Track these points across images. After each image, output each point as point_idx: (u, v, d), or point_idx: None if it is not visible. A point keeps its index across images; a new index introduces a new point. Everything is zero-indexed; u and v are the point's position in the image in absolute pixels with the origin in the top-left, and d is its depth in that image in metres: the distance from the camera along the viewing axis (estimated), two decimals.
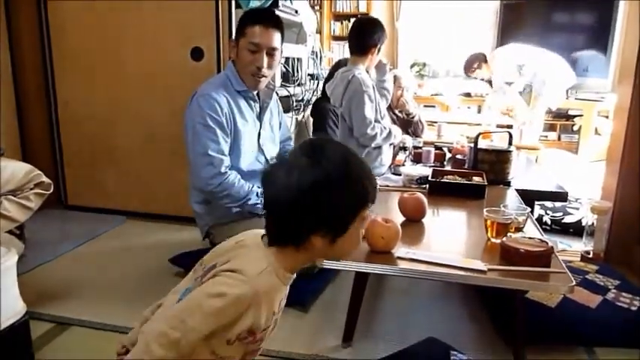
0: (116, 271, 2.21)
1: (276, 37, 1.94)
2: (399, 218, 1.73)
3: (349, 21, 6.24)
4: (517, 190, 2.20)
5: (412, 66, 6.13)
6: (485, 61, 4.39)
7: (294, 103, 3.23)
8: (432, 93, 5.93)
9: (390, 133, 2.68)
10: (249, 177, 1.99)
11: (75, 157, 2.91)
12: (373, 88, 2.67)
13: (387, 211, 1.83)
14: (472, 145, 2.43)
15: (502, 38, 5.43)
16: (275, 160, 1.00)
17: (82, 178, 2.93)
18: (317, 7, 6.11)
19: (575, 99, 5.01)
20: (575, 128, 5.28)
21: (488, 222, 1.54)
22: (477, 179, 2.18)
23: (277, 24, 1.94)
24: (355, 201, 0.96)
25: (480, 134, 2.33)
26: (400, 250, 1.44)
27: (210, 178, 1.86)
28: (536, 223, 1.73)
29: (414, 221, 1.74)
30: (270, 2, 2.54)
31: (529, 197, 2.28)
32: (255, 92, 2.02)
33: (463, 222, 1.89)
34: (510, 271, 1.33)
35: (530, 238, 1.47)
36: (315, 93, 3.44)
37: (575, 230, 2.69)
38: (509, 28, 5.44)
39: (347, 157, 0.95)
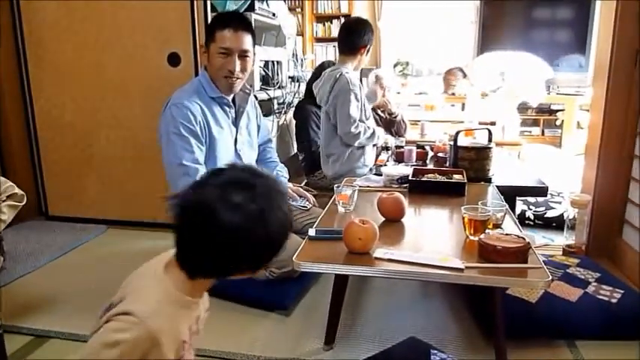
0: (96, 282, 2.18)
1: (246, 40, 1.92)
2: (379, 219, 1.72)
3: (331, 22, 6.25)
4: (498, 186, 2.20)
5: (395, 65, 6.15)
6: (464, 76, 4.41)
7: (276, 106, 3.22)
8: (416, 92, 5.95)
9: (373, 133, 2.69)
10: None
11: (55, 167, 2.88)
12: (360, 88, 2.68)
13: (368, 211, 1.82)
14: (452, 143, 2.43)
15: (483, 36, 5.48)
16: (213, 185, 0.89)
17: (62, 188, 2.90)
18: (298, 9, 6.11)
19: (557, 94, 5.06)
20: (558, 123, 5.33)
21: (466, 219, 1.54)
22: (457, 177, 2.18)
23: (247, 26, 1.93)
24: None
25: (459, 132, 2.34)
26: (378, 251, 1.44)
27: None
28: (514, 218, 1.73)
29: (393, 221, 1.73)
30: (246, 5, 2.53)
31: (510, 193, 2.30)
32: (229, 98, 2.00)
33: (443, 220, 1.89)
34: (488, 269, 1.34)
35: (507, 234, 1.47)
36: (296, 95, 3.44)
37: (558, 224, 2.71)
38: (490, 26, 5.49)
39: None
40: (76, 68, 2.71)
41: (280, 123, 3.33)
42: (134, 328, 0.82)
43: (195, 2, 2.44)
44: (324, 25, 6.32)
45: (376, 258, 1.41)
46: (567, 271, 1.91)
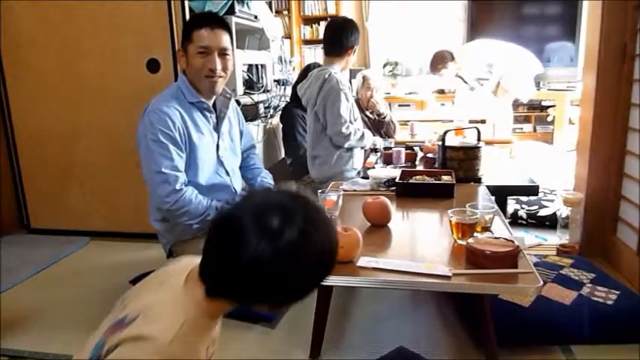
0: (76, 297, 2.11)
1: (225, 38, 1.86)
2: (365, 224, 1.67)
3: (319, 24, 6.19)
4: (488, 186, 2.15)
5: (384, 65, 6.10)
6: (452, 59, 4.36)
7: (262, 110, 3.16)
8: (406, 92, 5.91)
9: (363, 135, 2.63)
10: (208, 191, 1.91)
11: (35, 178, 2.80)
12: (349, 88, 2.62)
13: (353, 217, 1.76)
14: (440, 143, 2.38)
15: (472, 33, 5.44)
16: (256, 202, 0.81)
17: (44, 200, 2.82)
18: (285, 12, 6.06)
19: (548, 89, 5.02)
20: (550, 119, 5.29)
21: (453, 223, 1.49)
22: (446, 178, 2.13)
23: (224, 25, 1.87)
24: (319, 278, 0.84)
25: (447, 132, 2.28)
26: (362, 259, 1.38)
27: (166, 196, 1.77)
28: (504, 220, 1.67)
29: (379, 226, 1.67)
30: (226, 8, 2.47)
31: (500, 193, 2.25)
32: (210, 102, 1.94)
33: (431, 224, 1.83)
34: (476, 275, 1.28)
35: (496, 238, 1.41)
36: (282, 99, 3.38)
37: (552, 223, 2.65)
38: (478, 23, 5.46)
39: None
40: (54, 77, 2.64)
41: (267, 127, 3.27)
42: (152, 357, 0.76)
43: (172, 7, 2.38)
44: (311, 27, 6.26)
45: (360, 267, 1.35)
46: (561, 272, 1.86)
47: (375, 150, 2.96)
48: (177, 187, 1.77)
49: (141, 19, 2.44)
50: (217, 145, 1.98)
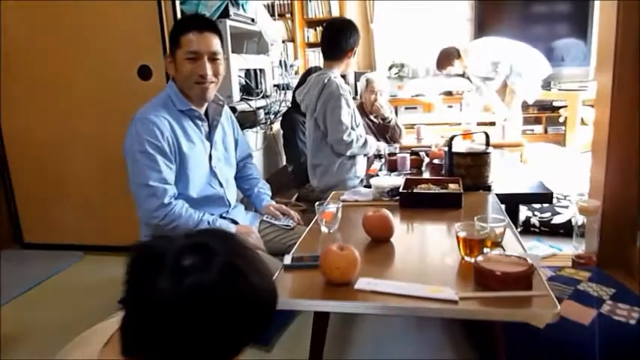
0: (68, 315, 2.02)
1: (214, 42, 1.76)
2: (367, 239, 1.55)
3: (322, 27, 6.09)
4: (498, 194, 2.02)
5: (390, 68, 5.98)
6: (459, 56, 4.23)
7: (262, 116, 3.06)
8: (413, 94, 5.78)
9: (366, 142, 2.52)
10: (201, 204, 1.81)
11: (27, 192, 2.73)
12: (350, 93, 2.51)
13: (354, 229, 1.65)
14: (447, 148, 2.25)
15: (479, 33, 5.29)
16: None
17: (36, 213, 2.74)
18: (288, 15, 5.96)
19: (559, 90, 4.87)
20: (561, 120, 5.13)
21: (460, 239, 1.36)
22: (453, 186, 2.00)
23: (213, 28, 1.77)
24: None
25: (453, 137, 2.16)
26: (360, 281, 1.25)
27: (154, 210, 1.67)
28: (517, 234, 1.54)
29: (381, 241, 1.55)
30: (219, 11, 2.37)
31: (511, 201, 2.12)
32: (202, 110, 1.84)
33: (437, 237, 1.70)
34: (485, 299, 1.15)
35: (508, 255, 1.29)
36: (283, 104, 3.27)
37: (566, 231, 2.52)
38: (486, 22, 5.32)
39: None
40: (44, 87, 2.57)
41: (267, 134, 3.17)
42: None
43: (163, 10, 2.28)
44: (315, 30, 6.16)
45: (357, 290, 1.24)
46: (578, 287, 1.72)
47: (379, 156, 2.84)
48: (166, 200, 1.67)
49: (130, 23, 2.35)
50: (210, 155, 1.88)
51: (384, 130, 3.48)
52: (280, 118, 3.27)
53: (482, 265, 1.22)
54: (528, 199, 2.18)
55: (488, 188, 2.11)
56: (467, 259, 1.35)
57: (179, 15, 2.29)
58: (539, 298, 1.15)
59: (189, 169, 1.77)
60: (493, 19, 5.26)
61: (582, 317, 1.54)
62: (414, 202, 1.91)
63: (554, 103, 5.27)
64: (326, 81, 2.43)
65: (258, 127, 2.91)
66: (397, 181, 2.07)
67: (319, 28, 6.14)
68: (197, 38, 1.72)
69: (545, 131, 5.45)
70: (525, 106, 4.93)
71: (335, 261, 1.25)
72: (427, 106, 5.54)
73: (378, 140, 3.49)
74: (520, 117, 4.44)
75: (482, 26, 5.32)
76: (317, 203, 1.71)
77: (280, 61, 3.43)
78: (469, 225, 1.39)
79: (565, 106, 4.99)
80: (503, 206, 1.95)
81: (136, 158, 1.67)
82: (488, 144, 2.21)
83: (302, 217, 2.51)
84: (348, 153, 2.49)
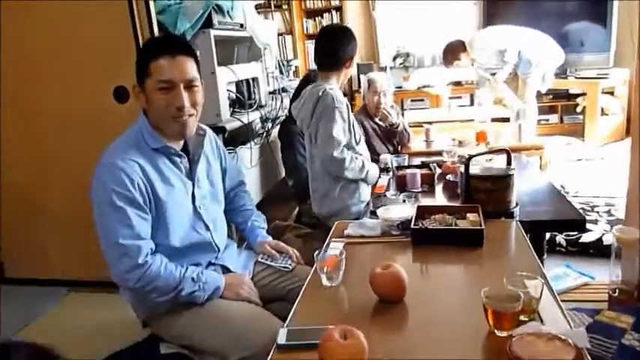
0: None
1: (190, 65, 1.51)
2: (373, 297, 1.32)
3: (322, 17, 5.79)
4: (522, 221, 1.79)
5: (395, 58, 5.67)
6: (465, 49, 3.96)
7: (257, 127, 2.81)
8: (420, 85, 5.48)
9: (363, 166, 2.25)
10: (185, 254, 1.59)
11: (8, 224, 2.51)
12: (347, 107, 2.25)
13: (360, 283, 1.41)
14: (462, 167, 2.00)
15: (488, 17, 4.97)
16: None
17: (18, 246, 2.54)
18: (285, 6, 5.66)
19: (576, 77, 4.56)
20: (579, 110, 4.83)
21: (489, 310, 1.13)
22: (471, 217, 1.75)
23: (187, 49, 1.52)
24: None
25: (470, 158, 1.90)
26: None
27: (127, 272, 1.45)
28: (556, 297, 1.28)
29: (391, 302, 1.32)
30: (202, 21, 2.11)
31: (537, 229, 1.88)
32: (179, 146, 1.60)
33: (458, 289, 1.46)
34: None
35: (548, 334, 1.05)
36: (280, 110, 3.00)
37: (597, 251, 2.27)
38: (495, 7, 4.99)
39: None
40: (20, 112, 2.33)
41: (264, 146, 2.92)
42: None
43: (138, 25, 2.02)
44: (314, 20, 5.86)
45: None
46: (622, 341, 1.48)
47: (386, 169, 2.60)
48: (140, 260, 1.44)
49: (104, 40, 2.10)
50: (193, 195, 1.64)
51: (390, 135, 3.23)
52: (278, 127, 3.02)
53: (517, 353, 0.99)
54: (557, 226, 1.93)
55: (511, 215, 1.87)
56: (498, 333, 1.12)
57: (156, 28, 2.02)
58: None
59: (169, 217, 1.54)
60: (502, 6, 4.93)
61: None
62: (428, 239, 1.67)
63: (570, 91, 4.96)
64: (321, 93, 2.19)
65: (252, 143, 2.66)
66: (407, 211, 1.82)
67: (318, 19, 5.84)
68: (169, 64, 1.47)
69: (561, 120, 5.15)
70: (539, 95, 4.66)
71: (336, 353, 1.02)
72: (434, 99, 5.25)
73: (385, 145, 3.25)
74: (536, 112, 4.16)
75: (492, 10, 5.00)
76: (315, 253, 1.47)
77: (277, 62, 3.18)
78: (499, 292, 1.16)
79: (583, 94, 4.70)
80: (527, 236, 1.72)
81: (103, 212, 1.45)
82: (509, 163, 1.95)
83: (303, 245, 2.27)
84: (342, 175, 2.22)
